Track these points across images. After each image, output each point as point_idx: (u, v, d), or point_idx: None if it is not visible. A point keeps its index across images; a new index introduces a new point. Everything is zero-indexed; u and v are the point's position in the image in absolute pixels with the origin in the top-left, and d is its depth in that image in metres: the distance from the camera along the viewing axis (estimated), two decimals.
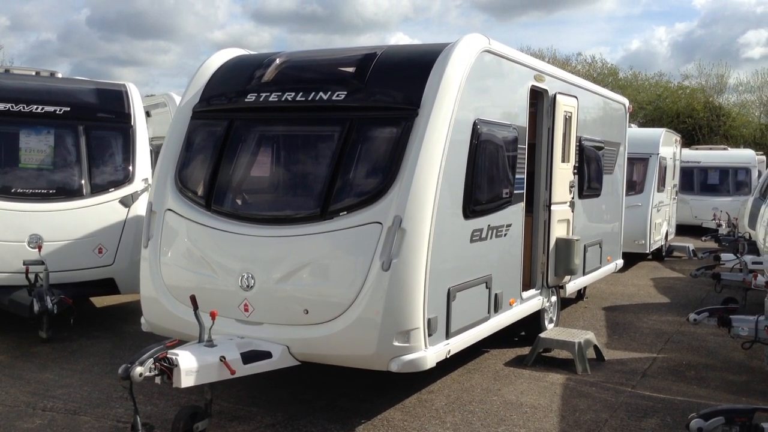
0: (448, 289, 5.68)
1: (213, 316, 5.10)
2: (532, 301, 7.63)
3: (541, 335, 7.49)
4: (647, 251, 14.23)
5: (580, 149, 8.69)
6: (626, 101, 11.42)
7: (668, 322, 9.56)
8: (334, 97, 5.84)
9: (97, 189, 8.34)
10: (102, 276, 8.24)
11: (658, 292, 11.82)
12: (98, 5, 76.71)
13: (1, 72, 9.09)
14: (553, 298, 8.43)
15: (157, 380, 4.80)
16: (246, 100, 6.20)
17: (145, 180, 8.59)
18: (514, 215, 6.89)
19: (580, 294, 10.69)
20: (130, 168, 8.63)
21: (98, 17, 74.92)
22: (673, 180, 16.66)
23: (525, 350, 7.69)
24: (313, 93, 5.93)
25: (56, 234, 7.90)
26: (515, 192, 6.85)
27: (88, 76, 9.95)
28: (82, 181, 8.31)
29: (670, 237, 16.78)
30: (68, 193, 8.20)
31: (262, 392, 6.25)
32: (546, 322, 8.20)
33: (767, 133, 39.76)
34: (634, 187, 14.15)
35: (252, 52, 7.07)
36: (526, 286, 7.57)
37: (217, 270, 5.75)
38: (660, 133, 15.32)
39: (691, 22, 76.30)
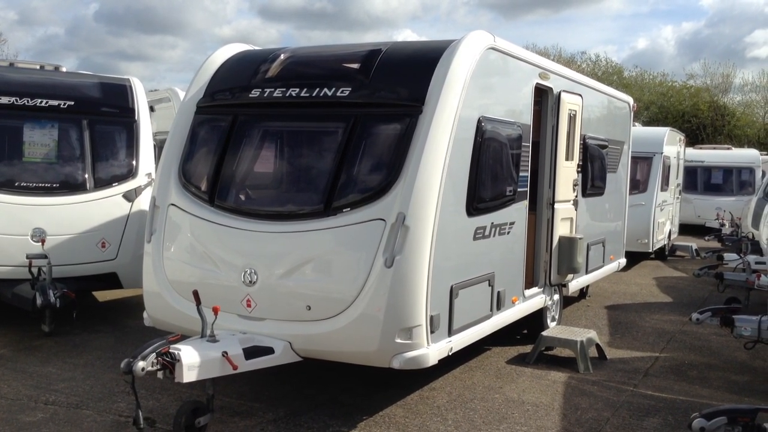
0: (451, 287, 5.67)
1: (215, 311, 5.10)
2: (534, 299, 7.63)
3: (544, 333, 7.50)
4: (650, 250, 14.20)
5: (584, 147, 8.67)
6: (630, 100, 11.38)
7: (671, 322, 9.54)
8: (338, 93, 5.83)
9: (101, 183, 8.36)
10: (105, 270, 8.26)
11: (661, 292, 11.80)
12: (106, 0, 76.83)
13: (6, 66, 9.10)
14: (556, 297, 8.42)
15: (159, 375, 4.81)
16: (250, 95, 6.19)
17: (149, 175, 8.60)
18: (517, 213, 6.88)
19: (583, 292, 10.68)
20: (134, 162, 8.64)
21: (106, 12, 75.12)
22: (676, 179, 16.61)
23: (527, 348, 7.68)
24: (317, 89, 5.92)
25: (59, 228, 7.92)
26: (519, 190, 6.84)
27: (94, 70, 10.00)
28: (86, 176, 8.32)
29: (673, 236, 16.74)
30: (72, 187, 8.21)
31: (264, 388, 6.25)
32: (548, 321, 8.19)
33: None
34: (638, 186, 14.11)
35: (257, 48, 7.06)
36: (529, 284, 7.56)
37: (220, 265, 5.75)
38: (664, 132, 15.28)
39: (699, 21, 76.24)
